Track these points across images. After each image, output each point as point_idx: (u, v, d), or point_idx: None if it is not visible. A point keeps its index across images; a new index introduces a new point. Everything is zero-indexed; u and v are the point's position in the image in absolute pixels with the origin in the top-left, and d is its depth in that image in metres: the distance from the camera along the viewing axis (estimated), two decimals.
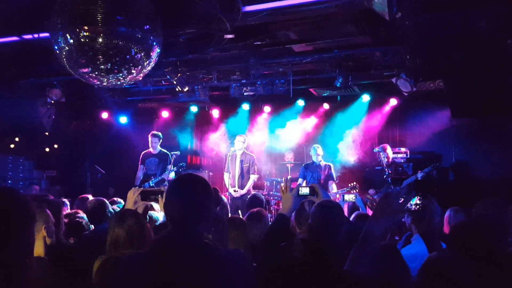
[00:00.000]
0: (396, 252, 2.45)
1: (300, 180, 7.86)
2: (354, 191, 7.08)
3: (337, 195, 7.33)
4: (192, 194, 1.85)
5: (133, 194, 3.15)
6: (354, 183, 7.26)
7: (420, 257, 2.80)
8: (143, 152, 7.83)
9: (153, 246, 1.78)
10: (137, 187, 7.65)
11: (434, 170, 6.82)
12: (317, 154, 7.74)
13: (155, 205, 4.03)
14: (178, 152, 7.75)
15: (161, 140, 7.79)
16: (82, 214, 4.09)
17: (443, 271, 1.85)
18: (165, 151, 7.82)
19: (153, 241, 1.87)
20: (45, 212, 2.47)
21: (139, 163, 7.77)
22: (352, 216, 4.13)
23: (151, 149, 7.77)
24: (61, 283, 2.24)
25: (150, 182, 7.34)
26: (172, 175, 7.41)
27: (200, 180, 1.92)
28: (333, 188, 7.52)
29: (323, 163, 7.76)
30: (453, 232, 2.11)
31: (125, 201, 3.21)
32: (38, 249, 2.35)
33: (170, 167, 7.45)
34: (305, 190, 2.84)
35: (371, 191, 7.24)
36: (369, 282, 1.98)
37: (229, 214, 4.55)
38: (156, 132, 7.84)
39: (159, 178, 7.42)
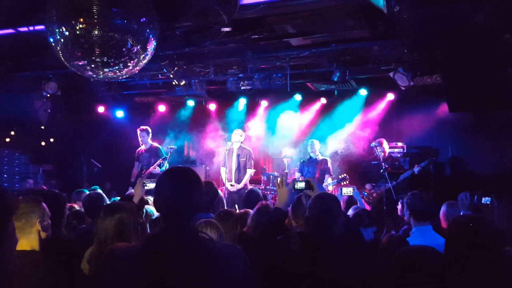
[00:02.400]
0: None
1: (297, 174, 7.87)
2: (344, 182, 7.09)
3: (329, 187, 7.32)
4: (181, 188, 1.79)
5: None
6: (344, 174, 7.27)
7: None
8: (137, 150, 7.82)
9: (147, 242, 1.76)
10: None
11: (430, 165, 6.83)
12: (313, 149, 7.73)
13: (150, 200, 4.03)
14: (174, 147, 7.72)
15: (150, 134, 7.77)
16: (77, 207, 4.08)
17: (409, 264, 1.90)
18: (156, 144, 7.79)
19: (147, 237, 1.85)
20: (40, 206, 2.45)
21: (135, 160, 7.76)
22: (349, 210, 4.15)
23: (143, 145, 7.75)
24: (54, 276, 2.24)
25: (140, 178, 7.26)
26: (165, 166, 7.33)
27: (189, 172, 1.85)
28: (327, 180, 7.52)
29: (320, 157, 7.74)
30: (451, 227, 2.11)
31: (120, 195, 3.25)
32: (33, 243, 2.34)
33: (160, 161, 7.37)
34: (300, 184, 2.85)
35: (368, 186, 7.25)
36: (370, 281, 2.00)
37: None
38: (144, 127, 7.81)
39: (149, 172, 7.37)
